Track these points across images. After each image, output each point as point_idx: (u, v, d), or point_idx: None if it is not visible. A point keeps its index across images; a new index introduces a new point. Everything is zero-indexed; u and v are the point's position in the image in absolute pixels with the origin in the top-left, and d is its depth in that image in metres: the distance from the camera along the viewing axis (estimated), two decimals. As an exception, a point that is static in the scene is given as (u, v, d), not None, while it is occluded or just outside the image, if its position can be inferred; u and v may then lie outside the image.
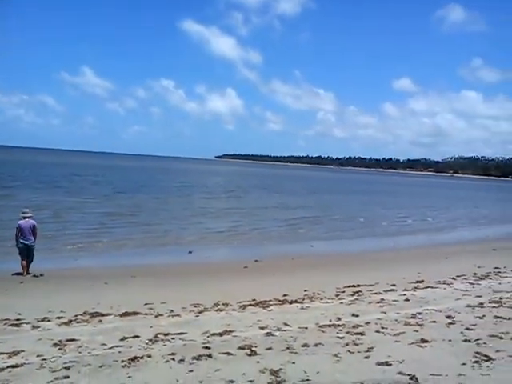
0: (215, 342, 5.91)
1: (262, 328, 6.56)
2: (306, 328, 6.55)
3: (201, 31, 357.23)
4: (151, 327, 6.58)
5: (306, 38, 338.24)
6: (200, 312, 7.62)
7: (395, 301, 8.34)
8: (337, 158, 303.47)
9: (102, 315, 7.32)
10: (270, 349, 5.63)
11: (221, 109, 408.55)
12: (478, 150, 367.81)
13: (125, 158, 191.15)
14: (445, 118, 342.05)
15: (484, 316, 7.20)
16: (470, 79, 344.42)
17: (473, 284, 10.13)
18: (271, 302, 8.33)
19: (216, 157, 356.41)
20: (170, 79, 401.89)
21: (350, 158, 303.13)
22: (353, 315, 7.26)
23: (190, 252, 14.68)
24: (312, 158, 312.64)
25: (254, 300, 8.52)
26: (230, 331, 6.38)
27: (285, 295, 8.90)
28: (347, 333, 6.29)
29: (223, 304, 8.24)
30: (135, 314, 7.45)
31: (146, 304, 8.08)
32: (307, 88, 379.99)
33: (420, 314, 7.35)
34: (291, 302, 8.36)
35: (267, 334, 6.25)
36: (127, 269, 12.11)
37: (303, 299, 8.64)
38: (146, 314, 7.44)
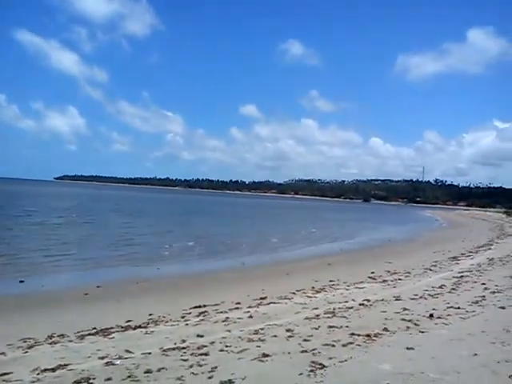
0: (47, 379, 5.35)
1: (101, 358, 6.13)
2: (150, 353, 6.30)
3: (38, 43, 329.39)
4: (-33, 370, 5.70)
5: (155, 59, 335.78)
6: (30, 347, 6.84)
7: (239, 318, 8.50)
8: (185, 180, 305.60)
9: None
10: (109, 379, 5.29)
11: (61, 127, 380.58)
12: (315, 174, 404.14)
13: None
14: (286, 144, 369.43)
15: (319, 327, 7.70)
16: (309, 108, 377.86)
17: (310, 297, 10.81)
18: (113, 330, 7.86)
19: (55, 178, 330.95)
20: (1, 93, 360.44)
21: (198, 179, 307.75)
22: (198, 336, 7.20)
23: (21, 281, 13.21)
24: (160, 179, 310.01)
25: (94, 328, 7.96)
26: (66, 365, 5.83)
27: (128, 321, 8.49)
28: (192, 354, 6.20)
29: (59, 336, 7.54)
30: None
31: (-38, 344, 7.02)
32: (155, 110, 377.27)
33: (262, 329, 7.58)
34: (135, 328, 7.99)
35: (107, 364, 5.86)
36: None
37: (148, 324, 8.33)
38: (-39, 356, 6.44)
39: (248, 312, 9.07)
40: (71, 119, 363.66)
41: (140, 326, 8.10)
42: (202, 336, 7.19)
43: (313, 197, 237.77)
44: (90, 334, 7.60)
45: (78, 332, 7.74)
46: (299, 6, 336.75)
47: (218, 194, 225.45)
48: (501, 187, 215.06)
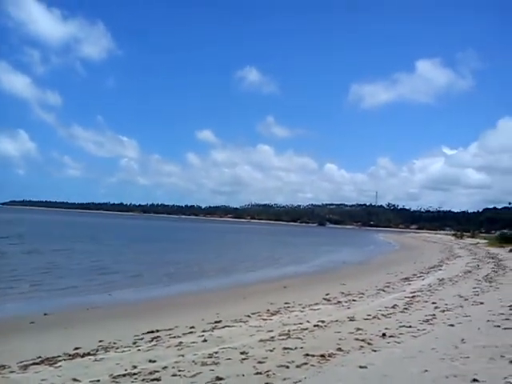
0: (-16, 412, 5.01)
1: (45, 388, 5.83)
2: (99, 381, 6.05)
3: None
4: None
5: (111, 84, 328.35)
6: (-33, 380, 6.43)
7: (193, 342, 8.31)
8: (140, 205, 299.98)
9: None
10: (53, 409, 5.01)
11: (9, 151, 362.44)
12: (272, 198, 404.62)
13: None
14: (243, 169, 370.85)
15: (274, 349, 7.63)
16: (266, 135, 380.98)
17: (266, 320, 10.72)
18: (60, 358, 7.51)
19: (2, 203, 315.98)
20: None
21: (153, 204, 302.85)
22: (150, 361, 6.97)
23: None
24: (114, 204, 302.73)
25: (39, 357, 7.57)
26: (6, 396, 5.51)
27: (76, 348, 8.13)
28: (143, 380, 6.00)
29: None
30: None
31: None
32: (110, 135, 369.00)
33: (216, 353, 7.43)
34: (83, 355, 7.66)
35: (51, 394, 5.57)
36: None
37: (97, 350, 8.01)
38: None
39: (202, 336, 8.89)
40: (21, 143, 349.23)
41: (89, 354, 7.78)
42: (154, 361, 6.97)
43: (269, 221, 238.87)
44: (34, 364, 7.23)
45: (21, 362, 7.34)
46: (256, 33, 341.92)
47: (174, 218, 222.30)
48: (450, 211, 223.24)
